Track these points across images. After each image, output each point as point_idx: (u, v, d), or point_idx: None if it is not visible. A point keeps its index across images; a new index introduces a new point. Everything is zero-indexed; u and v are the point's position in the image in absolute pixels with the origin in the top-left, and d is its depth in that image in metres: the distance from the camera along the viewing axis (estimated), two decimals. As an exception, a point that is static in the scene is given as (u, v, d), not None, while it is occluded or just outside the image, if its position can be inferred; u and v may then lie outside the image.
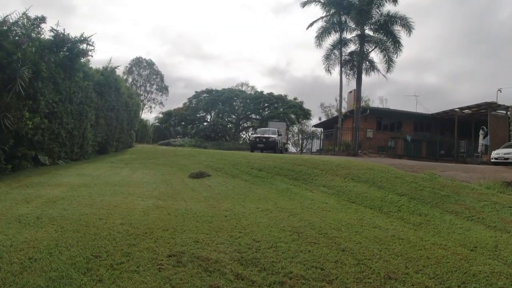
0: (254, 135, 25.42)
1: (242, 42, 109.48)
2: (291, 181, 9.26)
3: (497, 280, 3.57)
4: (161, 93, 61.15)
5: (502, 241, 4.95)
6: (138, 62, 59.23)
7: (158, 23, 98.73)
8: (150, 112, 61.29)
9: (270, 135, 24.19)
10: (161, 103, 61.19)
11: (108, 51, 71.58)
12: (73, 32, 17.11)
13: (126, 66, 57.57)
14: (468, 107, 26.69)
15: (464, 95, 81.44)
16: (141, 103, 49.17)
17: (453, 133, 28.44)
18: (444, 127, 31.74)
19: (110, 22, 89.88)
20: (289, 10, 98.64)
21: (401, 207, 6.84)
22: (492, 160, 19.73)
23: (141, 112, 40.59)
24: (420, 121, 33.46)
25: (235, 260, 3.55)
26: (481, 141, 25.23)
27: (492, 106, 25.07)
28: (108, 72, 15.99)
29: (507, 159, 18.32)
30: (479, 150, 25.61)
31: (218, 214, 5.47)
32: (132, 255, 3.52)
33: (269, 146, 23.55)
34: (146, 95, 59.84)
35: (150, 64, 60.19)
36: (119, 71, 19.26)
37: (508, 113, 21.23)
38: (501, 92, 31.92)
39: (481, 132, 25.38)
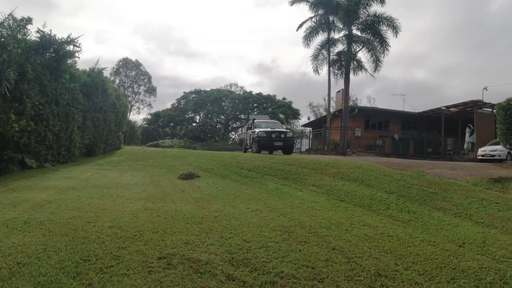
0: (262, 130, 17.77)
1: (228, 38, 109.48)
2: (281, 181, 9.27)
3: (486, 275, 3.62)
4: (149, 94, 60.91)
5: (490, 237, 5.04)
6: (125, 63, 58.88)
7: (142, 20, 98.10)
8: (138, 114, 60.89)
9: (282, 129, 18.83)
10: (149, 104, 61.02)
11: (91, 50, 70.76)
12: (55, 29, 16.73)
13: (113, 67, 57.32)
14: (454, 106, 27.12)
15: (453, 90, 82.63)
16: (129, 105, 48.78)
17: (440, 131, 28.87)
18: (431, 125, 32.19)
19: (92, 19, 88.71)
20: (276, 4, 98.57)
21: (390, 205, 6.90)
22: (478, 157, 20.10)
23: (129, 113, 40.27)
24: (407, 119, 33.88)
25: (226, 261, 3.55)
26: (467, 138, 25.65)
27: (478, 104, 25.54)
28: (95, 74, 15.79)
29: (493, 156, 18.68)
30: (465, 147, 26.02)
31: (208, 215, 5.45)
32: (121, 258, 3.49)
33: (288, 144, 18.05)
34: (133, 96, 59.58)
35: (137, 65, 59.91)
36: (106, 72, 19.06)
37: (494, 111, 21.56)
38: (487, 90, 32.60)
39: (467, 130, 25.80)
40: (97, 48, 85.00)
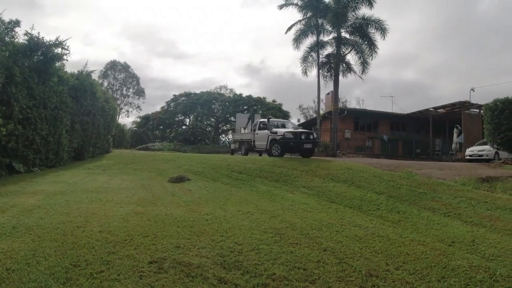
0: (288, 130, 15.70)
1: (217, 39, 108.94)
2: (271, 183, 9.29)
3: (476, 274, 3.68)
4: (138, 97, 60.49)
5: (479, 236, 5.11)
6: (113, 66, 58.41)
7: (128, 21, 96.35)
8: (128, 117, 60.54)
9: (308, 130, 17.32)
10: (138, 106, 60.57)
11: (79, 52, 69.84)
12: (40, 31, 16.41)
13: (102, 70, 56.76)
14: (442, 107, 27.47)
15: (441, 91, 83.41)
16: (118, 107, 48.38)
17: (428, 132, 29.22)
18: (419, 126, 32.55)
19: (79, 20, 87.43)
20: (264, 4, 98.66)
21: (380, 205, 6.96)
22: (466, 158, 20.37)
23: (118, 116, 39.89)
24: (396, 120, 34.21)
25: (218, 264, 3.54)
26: (455, 139, 25.99)
27: (465, 105, 25.91)
28: (83, 76, 15.64)
29: (481, 156, 18.96)
30: (453, 148, 26.36)
31: (199, 218, 5.43)
32: (112, 263, 3.46)
33: (315, 146, 16.72)
34: (122, 99, 59.13)
35: (125, 67, 59.47)
36: (95, 75, 18.87)
37: (481, 111, 21.90)
38: (474, 91, 33.10)
39: (455, 130, 26.16)
40: (85, 50, 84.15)
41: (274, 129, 15.94)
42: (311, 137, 15.70)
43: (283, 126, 17.34)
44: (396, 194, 7.81)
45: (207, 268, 3.42)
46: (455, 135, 26.14)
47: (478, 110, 25.96)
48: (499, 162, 15.36)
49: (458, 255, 4.22)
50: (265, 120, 17.36)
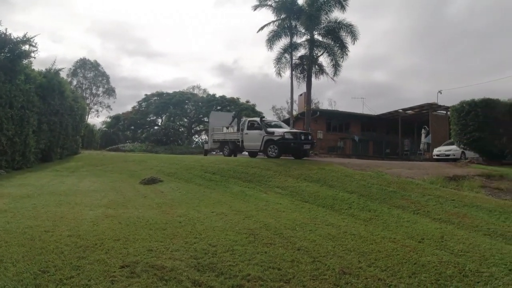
0: (287, 131, 15.12)
1: (189, 38, 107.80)
2: (245, 184, 9.28)
3: (446, 269, 3.79)
4: (108, 96, 58.89)
5: (447, 232, 5.29)
6: (83, 64, 56.59)
7: (98, 17, 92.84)
8: (97, 116, 58.99)
9: (305, 131, 17.37)
10: (109, 106, 58.94)
11: (47, 49, 67.35)
12: (5, 26, 15.76)
13: (70, 68, 54.94)
14: (411, 108, 28.29)
15: (411, 92, 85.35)
16: (87, 107, 47.11)
17: (398, 133, 29.99)
18: (389, 127, 33.37)
19: (47, 16, 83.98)
20: (237, 3, 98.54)
21: (351, 204, 7.08)
22: (434, 157, 21.03)
23: (87, 116, 38.89)
24: (366, 121, 34.94)
25: (192, 266, 3.49)
26: (423, 139, 26.79)
27: (433, 107, 26.80)
28: (51, 75, 15.13)
29: (448, 155, 19.63)
30: (421, 148, 27.16)
31: (172, 220, 5.36)
32: (82, 268, 3.35)
33: (311, 148, 16.51)
34: (92, 98, 57.36)
35: (95, 66, 57.70)
36: (63, 73, 18.30)
37: (448, 113, 22.68)
38: (441, 93, 34.25)
39: (423, 131, 26.96)
40: (53, 47, 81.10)
41: (270, 129, 15.33)
42: (309, 137, 15.46)
43: (276, 126, 16.60)
44: (367, 193, 7.96)
45: (181, 271, 3.36)
46: (423, 135, 26.95)
47: (445, 112, 26.91)
48: (466, 161, 15.93)
49: (428, 251, 4.34)
50: (256, 119, 16.85)
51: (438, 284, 3.42)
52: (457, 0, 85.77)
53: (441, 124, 26.63)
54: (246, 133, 16.40)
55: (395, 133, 31.24)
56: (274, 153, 14.55)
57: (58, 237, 4.24)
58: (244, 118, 18.60)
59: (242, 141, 16.67)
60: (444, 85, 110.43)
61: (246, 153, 17.80)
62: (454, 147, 19.04)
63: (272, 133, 14.91)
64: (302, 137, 14.71)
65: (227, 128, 19.16)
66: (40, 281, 3.05)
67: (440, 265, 3.90)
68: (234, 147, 17.51)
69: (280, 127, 16.46)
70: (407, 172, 10.73)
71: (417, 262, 3.94)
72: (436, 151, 21.20)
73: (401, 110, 29.40)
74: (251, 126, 16.27)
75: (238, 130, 17.67)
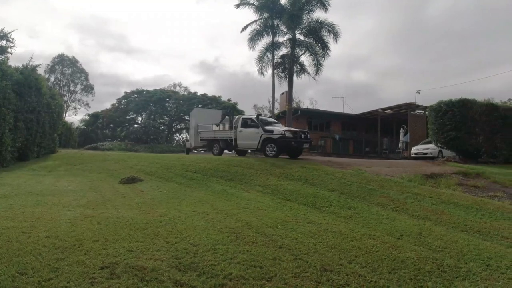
0: (286, 129, 14.67)
1: (170, 35, 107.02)
2: (227, 182, 9.25)
3: (424, 265, 3.87)
4: (86, 93, 57.50)
5: (425, 229, 5.39)
6: (61, 60, 55.05)
7: (76, 12, 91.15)
8: (75, 114, 57.38)
9: (304, 129, 16.49)
10: (87, 104, 57.52)
11: (24, 45, 65.37)
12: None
13: (48, 64, 53.41)
14: (389, 108, 28.78)
15: (390, 92, 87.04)
16: (65, 104, 46.07)
17: (377, 132, 30.48)
18: (369, 126, 33.91)
19: (23, 10, 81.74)
20: (219, 1, 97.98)
21: (332, 202, 7.14)
22: (412, 155, 21.46)
23: (64, 114, 38.06)
24: (347, 121, 35.38)
25: (173, 266, 3.45)
26: (402, 138, 27.29)
27: (411, 107, 27.35)
28: (28, 71, 14.77)
29: (426, 154, 20.09)
30: (400, 146, 27.66)
31: (153, 220, 5.29)
32: (61, 270, 3.27)
33: (310, 145, 16.28)
34: (70, 95, 55.91)
35: (73, 62, 56.18)
36: (40, 70, 17.83)
37: (426, 112, 23.18)
38: (419, 93, 35.00)
39: (401, 130, 27.47)
40: (30, 43, 79.15)
41: (269, 128, 14.71)
42: (308, 136, 14.91)
43: (270, 124, 15.86)
44: (348, 191, 8.05)
45: (162, 271, 3.32)
46: (401, 134, 27.45)
47: (423, 111, 27.50)
48: (443, 159, 16.31)
49: (406, 248, 4.42)
50: (251, 116, 16.23)
51: (417, 280, 3.48)
52: (437, 1, 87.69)
53: (419, 124, 27.23)
54: (241, 131, 15.68)
55: (374, 132, 31.73)
56: (272, 152, 14.03)
57: (35, 238, 4.14)
58: (237, 116, 17.66)
59: (235, 140, 15.92)
60: (423, 86, 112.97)
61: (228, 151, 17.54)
62: (431, 146, 19.49)
63: (271, 131, 14.35)
64: (302, 136, 14.32)
65: (217, 125, 18.32)
66: (18, 284, 2.98)
67: (419, 261, 3.97)
68: (224, 146, 16.89)
69: (272, 124, 15.76)
70: (386, 170, 10.90)
71: (396, 258, 4.00)
72: (414, 149, 21.65)
73: (380, 110, 29.89)
74: (245, 123, 15.64)
75: (231, 128, 16.83)
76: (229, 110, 18.61)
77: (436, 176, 10.11)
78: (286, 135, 13.89)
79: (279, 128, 14.75)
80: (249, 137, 15.26)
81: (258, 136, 14.60)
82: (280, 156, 14.05)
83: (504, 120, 16.68)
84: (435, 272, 3.69)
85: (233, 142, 16.01)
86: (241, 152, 16.76)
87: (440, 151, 19.28)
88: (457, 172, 11.01)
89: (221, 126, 18.04)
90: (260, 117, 16.09)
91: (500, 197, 7.99)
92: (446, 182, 9.16)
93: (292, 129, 15.11)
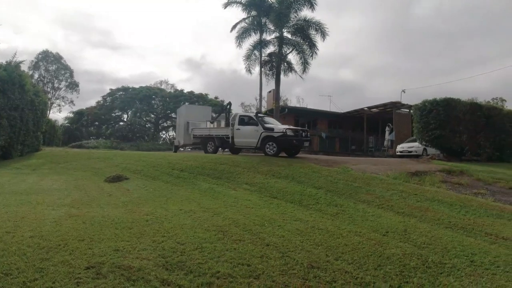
0: (288, 127, 14.21)
1: (157, 31, 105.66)
2: (214, 180, 9.23)
3: (410, 261, 3.93)
4: (71, 90, 56.52)
5: (410, 225, 5.47)
6: (45, 56, 53.99)
7: (61, 8, 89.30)
8: (60, 112, 56.62)
9: (303, 128, 16.36)
10: (72, 101, 56.59)
11: (7, 41, 63.84)
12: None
13: (32, 61, 52.35)
14: (375, 106, 29.07)
15: (376, 91, 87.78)
16: (49, 102, 45.26)
17: (363, 130, 30.78)
18: (355, 124, 34.23)
19: (7, 5, 79.50)
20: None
21: (319, 199, 7.18)
22: (397, 153, 21.73)
23: (48, 111, 37.40)
24: (333, 119, 35.64)
25: (160, 265, 3.43)
26: (387, 136, 27.58)
27: (396, 105, 27.68)
28: (11, 67, 14.49)
29: (411, 152, 20.37)
30: (385, 144, 27.96)
31: (139, 219, 5.24)
32: (46, 270, 3.22)
33: (310, 143, 16.26)
34: (54, 92, 54.96)
35: (58, 58, 55.15)
36: (24, 66, 17.48)
37: (411, 111, 23.49)
38: (405, 92, 35.44)
39: (387, 128, 27.76)
40: (13, 39, 77.14)
41: (269, 125, 14.30)
42: (308, 134, 14.71)
43: (268, 122, 15.24)
44: (334, 188, 8.11)
45: (149, 270, 3.29)
46: (387, 133, 27.75)
47: (408, 110, 27.86)
48: (427, 157, 16.59)
49: (392, 244, 4.48)
50: (249, 114, 15.88)
51: (402, 276, 3.53)
52: (424, 1, 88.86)
53: (404, 122, 27.57)
54: (238, 129, 15.13)
55: (360, 130, 32.03)
56: (272, 151, 13.66)
57: (20, 238, 4.07)
58: (234, 113, 17.19)
59: (233, 137, 15.38)
60: (408, 85, 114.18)
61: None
62: (416, 144, 19.77)
63: (271, 129, 13.96)
64: (303, 134, 14.09)
65: (212, 123, 17.82)
66: (3, 284, 2.93)
67: (404, 257, 4.03)
68: (221, 144, 16.26)
69: (269, 122, 15.19)
70: (372, 168, 11.01)
71: (382, 255, 4.05)
72: (399, 147, 21.93)
73: (366, 108, 30.18)
74: (243, 121, 15.17)
75: (227, 125, 16.27)
76: (227, 106, 17.73)
77: (420, 173, 10.26)
78: (288, 133, 13.52)
79: (279, 126, 14.41)
80: (247, 135, 14.82)
81: (258, 134, 14.20)
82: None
83: (487, 119, 17.07)
84: (420, 268, 3.74)
85: (230, 140, 15.49)
86: (236, 150, 16.41)
87: (425, 149, 19.56)
88: (441, 170, 11.20)
89: (215, 123, 17.54)
90: (259, 115, 15.54)
91: (484, 195, 8.16)
92: (431, 180, 9.30)
93: (293, 127, 14.79)
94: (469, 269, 3.81)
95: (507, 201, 7.64)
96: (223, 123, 16.91)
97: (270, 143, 13.78)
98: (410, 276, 3.54)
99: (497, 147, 17.63)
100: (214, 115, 27.09)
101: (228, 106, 17.75)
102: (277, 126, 14.40)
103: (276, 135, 13.69)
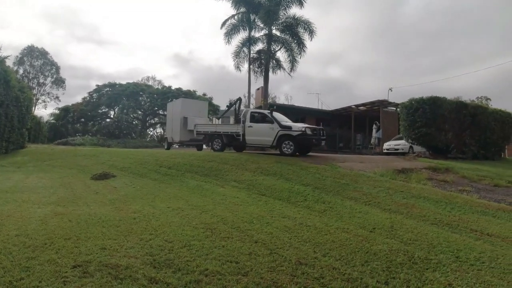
0: (305, 126, 13.53)
1: (144, 26, 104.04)
2: (202, 178, 9.20)
3: (396, 257, 3.98)
4: (56, 86, 55.45)
5: (396, 222, 5.53)
6: (30, 52, 52.79)
7: (47, 2, 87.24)
8: (45, 108, 55.52)
9: (317, 126, 15.71)
10: (57, 97, 55.44)
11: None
12: None
13: (17, 56, 51.18)
14: (363, 104, 29.29)
15: (364, 89, 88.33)
16: (34, 98, 44.46)
17: (351, 128, 30.98)
18: (342, 122, 34.35)
19: None
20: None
21: (307, 196, 7.22)
22: (384, 151, 21.95)
23: (33, 108, 36.77)
24: (321, 116, 35.72)
25: (148, 263, 3.41)
26: (374, 134, 27.81)
27: (383, 104, 27.92)
28: (-4, 63, 14.20)
29: (397, 149, 20.61)
30: (372, 142, 28.21)
31: (126, 217, 5.21)
32: (32, 269, 3.19)
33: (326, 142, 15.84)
34: (39, 88, 53.84)
35: (43, 54, 53.93)
36: (9, 61, 17.15)
37: (398, 109, 23.74)
38: (392, 91, 35.82)
39: (374, 126, 27.99)
40: (-1, 33, 75.53)
41: (286, 123, 13.70)
42: (324, 133, 14.14)
43: (286, 120, 14.70)
44: (322, 185, 8.16)
45: (136, 268, 3.27)
46: (374, 130, 27.98)
47: (395, 108, 28.11)
48: (413, 155, 16.77)
49: (379, 240, 4.53)
50: (262, 111, 15.30)
51: (389, 271, 3.57)
52: (412, 0, 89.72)
53: (391, 120, 27.83)
54: (250, 126, 14.33)
55: (348, 128, 32.22)
56: (289, 150, 13.06)
57: (5, 237, 4.03)
58: (244, 109, 16.31)
59: (243, 135, 14.57)
60: (395, 83, 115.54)
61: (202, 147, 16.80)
62: (402, 141, 20.01)
63: (289, 127, 13.32)
64: (321, 133, 13.65)
65: (218, 119, 16.98)
66: (-12, 283, 2.88)
67: (391, 253, 4.08)
68: (229, 141, 15.44)
69: (285, 120, 14.74)
70: (359, 165, 11.11)
71: (369, 251, 4.09)
72: (386, 145, 22.16)
73: (354, 106, 30.37)
74: (254, 118, 14.45)
75: (237, 122, 15.53)
76: (237, 102, 16.69)
77: (407, 171, 10.40)
78: (307, 132, 12.92)
79: (297, 125, 13.77)
80: (261, 133, 14.03)
81: (274, 132, 13.48)
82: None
83: (472, 117, 17.38)
84: (406, 264, 3.79)
85: (241, 138, 14.66)
86: (241, 148, 15.83)
87: (411, 147, 19.79)
88: (427, 167, 11.37)
89: (222, 119, 16.51)
90: (273, 112, 14.54)
91: (469, 192, 8.30)
92: (417, 177, 9.43)
93: (311, 126, 14.20)
94: (454, 264, 3.87)
95: (492, 198, 7.79)
96: (231, 120, 16.01)
97: (287, 142, 13.21)
98: (396, 271, 3.58)
99: (482, 145, 17.99)
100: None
101: (238, 102, 16.89)
102: (295, 124, 13.85)
103: (294, 134, 13.09)
